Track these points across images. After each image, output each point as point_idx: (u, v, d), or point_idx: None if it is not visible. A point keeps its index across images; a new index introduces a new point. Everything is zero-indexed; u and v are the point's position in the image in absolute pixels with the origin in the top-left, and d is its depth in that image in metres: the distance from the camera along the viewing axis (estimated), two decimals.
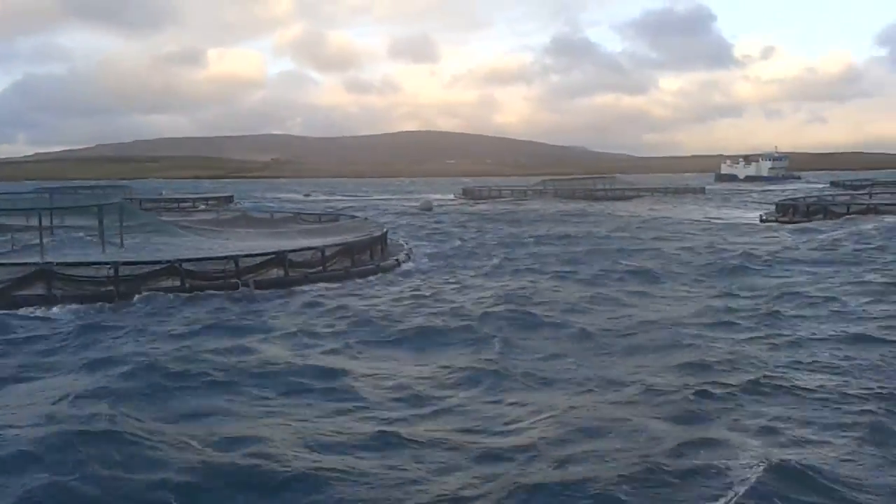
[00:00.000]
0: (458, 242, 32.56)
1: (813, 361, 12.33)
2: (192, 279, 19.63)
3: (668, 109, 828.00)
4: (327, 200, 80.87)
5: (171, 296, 18.44)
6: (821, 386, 10.83)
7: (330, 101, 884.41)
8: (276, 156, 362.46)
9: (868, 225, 34.75)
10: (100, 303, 17.89)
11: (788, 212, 44.29)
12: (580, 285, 21.23)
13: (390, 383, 11.66)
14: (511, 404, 10.51)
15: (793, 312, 16.54)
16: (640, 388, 10.93)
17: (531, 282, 21.63)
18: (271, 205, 63.52)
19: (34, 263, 18.99)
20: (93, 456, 8.33)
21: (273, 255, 21.64)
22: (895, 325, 14.83)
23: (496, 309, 16.96)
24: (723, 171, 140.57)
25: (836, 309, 16.82)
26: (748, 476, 7.63)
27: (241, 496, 7.71)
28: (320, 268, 22.30)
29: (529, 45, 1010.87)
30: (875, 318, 15.62)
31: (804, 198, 51.85)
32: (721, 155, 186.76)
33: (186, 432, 9.35)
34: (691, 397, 10.33)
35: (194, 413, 10.30)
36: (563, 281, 22.11)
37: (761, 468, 7.75)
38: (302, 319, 16.55)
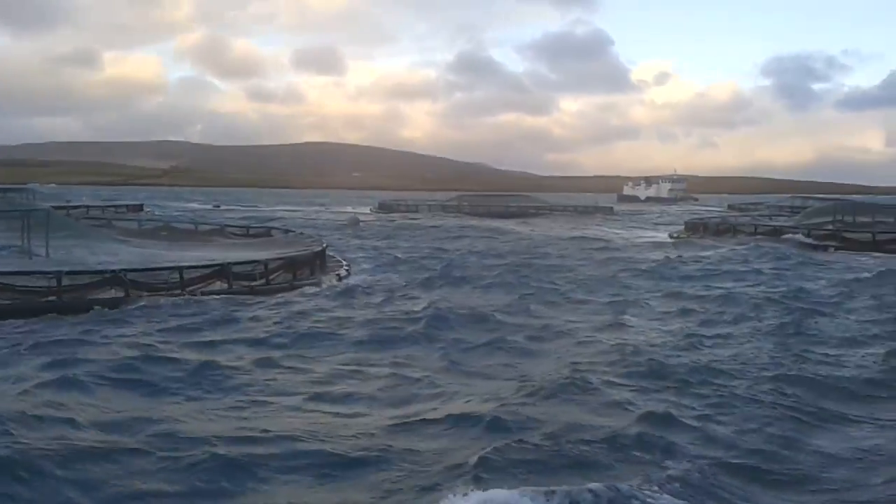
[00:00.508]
0: (391, 257, 32.83)
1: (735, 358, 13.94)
2: (137, 289, 19.14)
3: (569, 130, 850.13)
4: (241, 211, 79.23)
5: (119, 306, 17.93)
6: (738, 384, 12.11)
7: (231, 109, 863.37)
8: (175, 163, 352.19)
9: (777, 244, 37.62)
10: (42, 313, 17.16)
11: (698, 230, 46.95)
12: (511, 296, 22.09)
13: (362, 384, 12.33)
14: (466, 397, 11.50)
15: (708, 320, 18.42)
16: (564, 381, 11.94)
17: (466, 293, 22.86)
18: (177, 213, 62.15)
19: None
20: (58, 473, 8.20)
21: (217, 267, 21.36)
22: (801, 333, 16.52)
23: (440, 316, 17.86)
24: (625, 192, 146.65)
25: (749, 318, 18.42)
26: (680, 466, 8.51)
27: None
28: (263, 280, 22.12)
29: (434, 62, 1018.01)
30: (778, 330, 16.93)
31: (711, 218, 55.12)
32: (619, 176, 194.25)
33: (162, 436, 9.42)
34: (619, 391, 11.59)
35: (169, 417, 10.34)
36: (495, 292, 23.10)
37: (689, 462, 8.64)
38: (260, 330, 16.50)
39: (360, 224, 58.48)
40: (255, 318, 17.69)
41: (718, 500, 7.75)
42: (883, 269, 27.84)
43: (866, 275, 26.78)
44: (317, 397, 11.54)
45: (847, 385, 12.27)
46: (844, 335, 16.48)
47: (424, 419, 10.45)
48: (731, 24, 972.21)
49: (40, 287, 18.19)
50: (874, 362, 13.70)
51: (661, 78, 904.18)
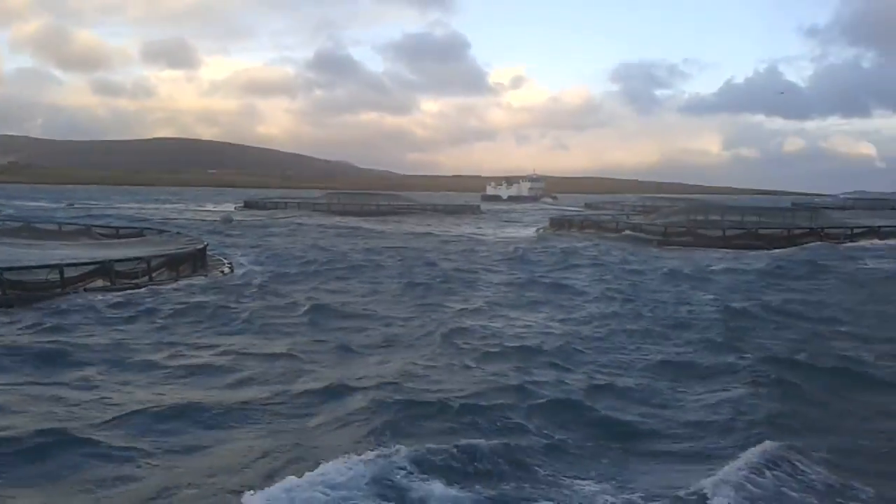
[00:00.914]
0: (270, 254, 32.93)
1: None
2: (14, 289, 18.44)
3: (429, 131, 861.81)
4: (97, 209, 75.24)
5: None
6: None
7: (75, 103, 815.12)
8: (14, 159, 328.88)
9: (636, 239, 40.59)
10: None
11: (563, 226, 49.61)
12: (390, 287, 23.53)
13: (257, 368, 13.11)
14: (354, 374, 12.58)
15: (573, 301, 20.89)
16: (444, 362, 13.38)
17: (347, 285, 24.02)
18: (30, 212, 58.80)
19: None
20: None
21: (98, 265, 20.86)
22: (656, 318, 18.40)
23: (323, 306, 19.20)
24: (488, 192, 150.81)
25: (608, 305, 20.42)
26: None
27: None
28: (146, 278, 21.81)
29: (292, 59, 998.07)
30: (636, 317, 18.65)
31: (575, 215, 58.35)
32: (479, 176, 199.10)
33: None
34: (491, 367, 12.98)
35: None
36: (373, 284, 24.37)
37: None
38: (148, 324, 16.57)
39: (233, 222, 57.81)
40: (142, 314, 17.66)
41: (588, 461, 8.79)
42: (728, 264, 30.82)
43: (715, 267, 29.56)
44: (233, 385, 12.02)
45: (695, 360, 13.84)
46: (693, 318, 18.30)
47: (314, 391, 11.44)
48: (581, 31, 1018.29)
49: None
50: (719, 342, 15.35)
51: (517, 82, 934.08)
